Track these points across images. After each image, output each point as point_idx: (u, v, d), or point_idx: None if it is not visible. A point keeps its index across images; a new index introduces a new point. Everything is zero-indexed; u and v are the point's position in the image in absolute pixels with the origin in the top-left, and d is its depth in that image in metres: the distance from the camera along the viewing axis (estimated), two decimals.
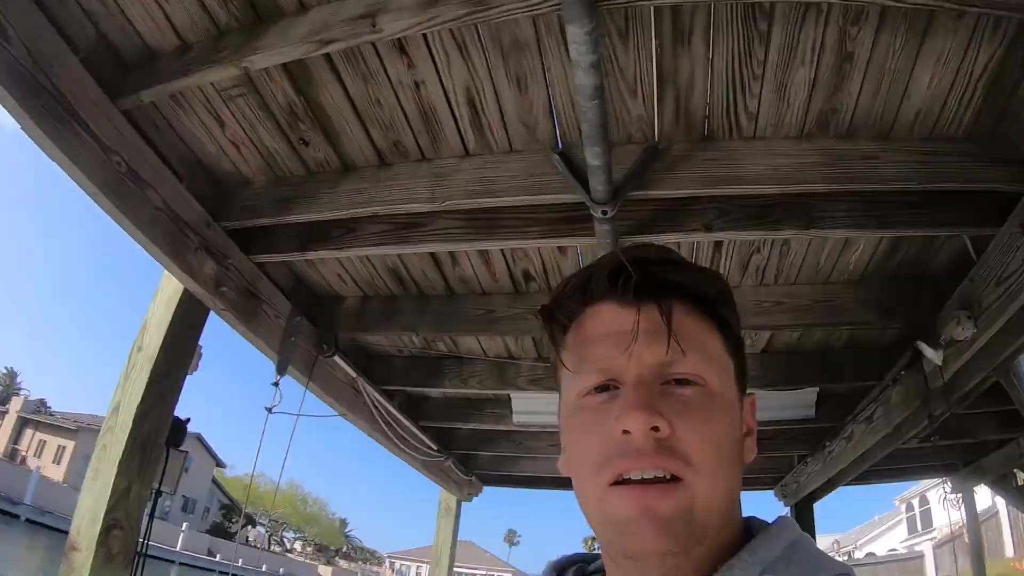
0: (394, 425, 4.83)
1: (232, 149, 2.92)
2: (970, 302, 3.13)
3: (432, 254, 3.61)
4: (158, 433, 2.83)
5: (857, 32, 2.46)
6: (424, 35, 2.41)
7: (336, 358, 3.95)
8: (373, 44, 2.45)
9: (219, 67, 2.32)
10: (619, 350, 0.78)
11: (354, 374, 4.27)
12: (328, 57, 2.52)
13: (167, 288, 2.99)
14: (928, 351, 3.40)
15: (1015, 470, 6.13)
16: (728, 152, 2.76)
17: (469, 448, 6.27)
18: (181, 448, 3.02)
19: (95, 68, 2.39)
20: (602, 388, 0.80)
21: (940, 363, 3.43)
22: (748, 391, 0.88)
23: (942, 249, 3.53)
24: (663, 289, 0.79)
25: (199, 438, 45.71)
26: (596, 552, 0.96)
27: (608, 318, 0.81)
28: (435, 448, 5.66)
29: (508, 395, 5.26)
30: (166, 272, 2.93)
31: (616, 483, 0.73)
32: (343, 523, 61.77)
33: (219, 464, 48.91)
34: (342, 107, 2.71)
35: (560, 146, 2.85)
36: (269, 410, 3.48)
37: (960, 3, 2.10)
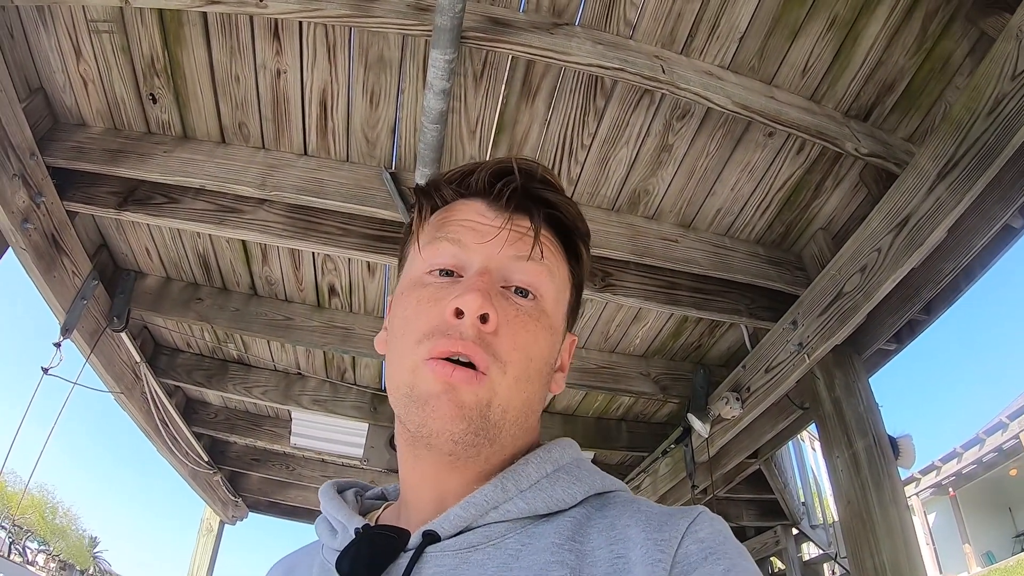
0: (168, 424, 4.82)
1: (80, 85, 2.98)
2: (740, 386, 3.78)
3: (244, 248, 3.81)
4: None
5: (681, 127, 3.04)
6: (300, 26, 2.70)
7: (123, 335, 3.96)
8: (251, 20, 2.69)
9: None
10: (477, 238, 0.85)
11: (138, 358, 4.26)
12: (205, 20, 2.72)
13: None
14: (697, 423, 4.01)
15: (771, 557, 7.08)
16: None
17: (241, 466, 6.30)
18: None
19: None
20: (446, 273, 0.86)
21: (706, 435, 4.04)
22: (572, 332, 0.98)
23: (721, 339, 4.23)
24: (536, 204, 0.87)
25: None
26: (371, 485, 1.07)
27: (476, 212, 0.88)
28: (206, 459, 5.64)
29: (289, 413, 5.41)
30: None
31: (431, 359, 0.78)
32: (92, 542, 56.72)
33: None
34: (202, 73, 2.89)
35: (393, 167, 3.22)
36: (45, 371, 3.44)
37: (771, 119, 2.72)
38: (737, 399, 3.73)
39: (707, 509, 0.76)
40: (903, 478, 3.25)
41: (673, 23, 2.64)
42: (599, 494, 0.84)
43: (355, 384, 4.99)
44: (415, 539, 0.79)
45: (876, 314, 3.10)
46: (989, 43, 2.42)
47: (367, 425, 5.12)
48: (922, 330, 3.47)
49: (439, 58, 2.28)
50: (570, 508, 0.81)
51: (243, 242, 3.78)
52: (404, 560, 0.77)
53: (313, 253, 3.79)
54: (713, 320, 3.96)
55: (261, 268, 3.97)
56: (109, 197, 3.26)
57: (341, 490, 0.99)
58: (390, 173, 3.16)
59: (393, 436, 5.04)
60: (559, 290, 0.90)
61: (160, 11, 2.72)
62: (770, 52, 2.73)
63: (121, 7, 2.65)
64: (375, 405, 4.98)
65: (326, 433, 5.48)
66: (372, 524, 0.86)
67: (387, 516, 0.94)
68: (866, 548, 2.96)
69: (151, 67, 2.92)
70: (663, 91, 2.66)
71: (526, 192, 0.88)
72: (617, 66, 2.54)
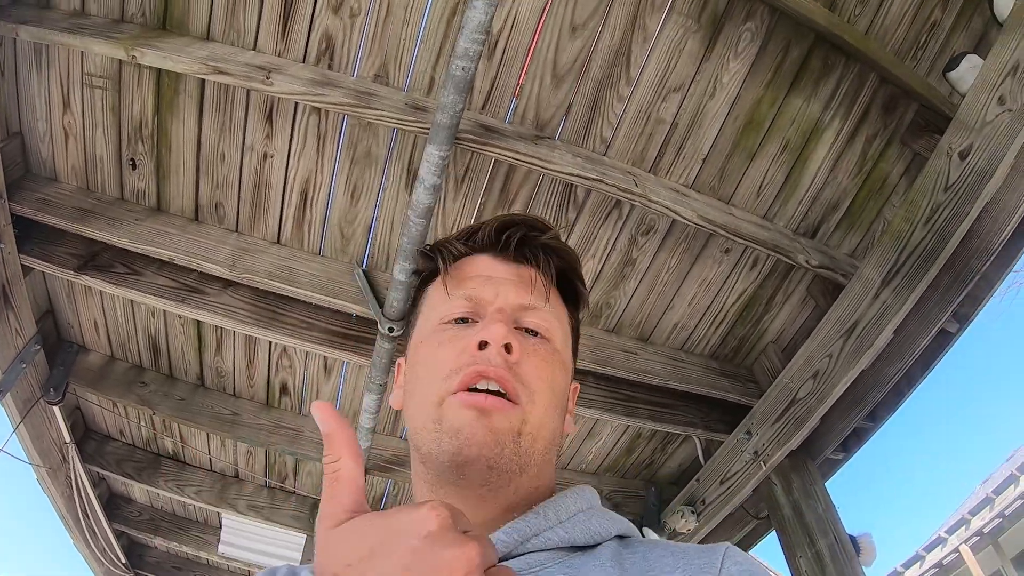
0: (89, 515, 4.58)
1: (60, 137, 2.97)
2: (695, 499, 3.86)
3: (199, 335, 3.77)
4: None
5: (645, 242, 3.26)
6: (295, 112, 2.83)
7: (57, 410, 3.82)
8: (247, 99, 2.81)
9: (110, 44, 2.48)
10: (489, 287, 0.93)
11: (68, 439, 4.11)
12: (201, 91, 2.81)
13: None
14: (652, 535, 4.00)
15: None
16: None
17: (160, 573, 5.93)
18: None
19: None
20: (462, 320, 0.91)
21: None
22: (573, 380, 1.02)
23: (672, 456, 4.32)
24: (539, 252, 0.95)
25: None
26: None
27: (485, 265, 0.96)
28: (123, 561, 5.34)
29: (219, 518, 5.17)
30: None
31: (461, 391, 0.82)
32: None
33: None
34: (188, 146, 2.95)
35: (364, 265, 3.29)
36: None
37: (732, 233, 2.96)
38: (692, 512, 3.80)
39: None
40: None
41: (644, 143, 2.92)
42: (621, 536, 0.88)
43: (295, 491, 4.85)
44: None
45: (825, 420, 3.28)
46: (922, 163, 2.81)
47: (305, 536, 4.95)
48: (868, 437, 3.63)
49: (434, 153, 2.40)
50: (604, 542, 0.84)
51: (198, 328, 3.76)
52: None
53: (270, 347, 3.79)
54: (666, 437, 4.09)
55: (213, 358, 3.93)
56: (69, 258, 3.19)
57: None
58: (363, 271, 3.23)
59: None
60: (564, 333, 0.97)
61: (158, 75, 2.79)
62: (729, 173, 3.04)
63: (121, 62, 2.73)
64: (315, 515, 4.78)
65: (258, 544, 5.24)
66: None
67: None
68: None
69: (138, 131, 2.95)
70: (636, 203, 2.86)
71: (530, 241, 0.96)
72: (596, 176, 2.74)
